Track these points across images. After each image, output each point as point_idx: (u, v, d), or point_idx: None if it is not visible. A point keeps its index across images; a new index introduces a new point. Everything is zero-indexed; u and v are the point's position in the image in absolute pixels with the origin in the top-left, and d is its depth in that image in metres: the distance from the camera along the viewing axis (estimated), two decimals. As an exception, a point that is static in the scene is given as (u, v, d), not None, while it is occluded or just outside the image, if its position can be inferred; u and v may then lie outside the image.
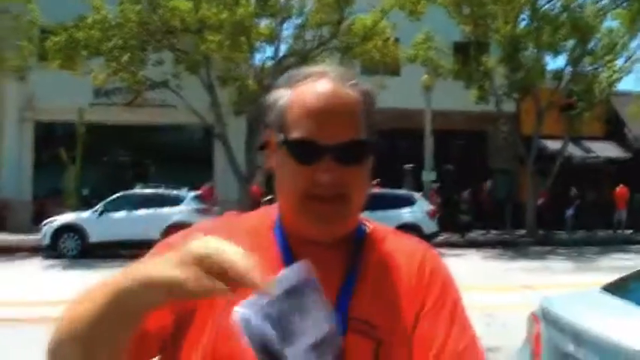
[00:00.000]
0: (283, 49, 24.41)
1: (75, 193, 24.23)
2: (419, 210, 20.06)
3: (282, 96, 1.33)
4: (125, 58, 21.69)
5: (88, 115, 24.62)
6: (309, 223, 1.29)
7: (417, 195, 21.08)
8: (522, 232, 25.07)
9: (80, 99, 25.27)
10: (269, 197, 20.45)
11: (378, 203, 19.70)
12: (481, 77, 24.60)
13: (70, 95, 24.93)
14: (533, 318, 4.35)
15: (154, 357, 1.27)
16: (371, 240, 1.39)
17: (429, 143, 23.81)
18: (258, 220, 1.40)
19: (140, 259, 1.22)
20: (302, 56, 23.06)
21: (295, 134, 1.27)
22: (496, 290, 12.41)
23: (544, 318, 4.15)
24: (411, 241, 1.43)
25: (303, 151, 1.27)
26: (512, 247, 21.75)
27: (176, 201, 19.54)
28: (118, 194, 19.73)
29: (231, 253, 1.04)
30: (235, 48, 21.44)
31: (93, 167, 27.13)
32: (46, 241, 18.86)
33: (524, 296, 10.71)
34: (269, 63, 23.72)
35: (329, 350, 1.18)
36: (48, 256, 18.20)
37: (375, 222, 1.45)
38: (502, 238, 24.33)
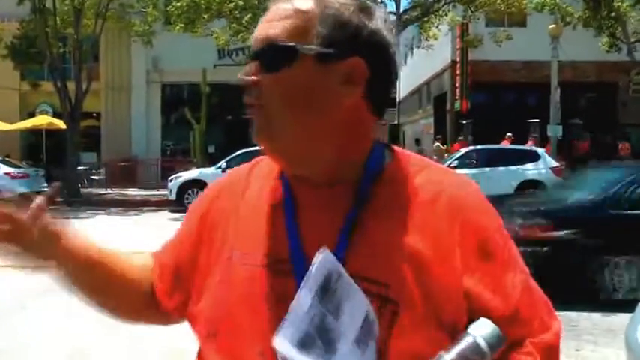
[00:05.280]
0: (404, 3, 24.03)
1: (200, 150, 24.99)
2: (543, 166, 19.38)
3: None
4: (246, 18, 21.97)
5: (212, 75, 25.21)
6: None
7: (541, 151, 20.36)
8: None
9: (204, 61, 25.90)
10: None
11: (499, 159, 19.25)
12: (612, 24, 23.28)
13: (194, 57, 25.61)
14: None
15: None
16: (390, 173, 1.22)
17: (555, 96, 22.92)
18: (269, 162, 1.29)
19: None
20: (424, 10, 22.64)
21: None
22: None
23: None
24: (443, 178, 1.23)
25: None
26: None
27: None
28: (240, 151, 20.17)
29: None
30: (355, 3, 21.24)
31: (218, 126, 27.88)
32: (172, 195, 19.63)
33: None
34: (391, 18, 23.40)
35: (370, 336, 1.11)
36: (174, 210, 18.83)
37: (410, 153, 1.28)
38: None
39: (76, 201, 22.14)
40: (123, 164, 27.82)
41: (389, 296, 1.12)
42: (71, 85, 23.35)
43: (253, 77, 1.17)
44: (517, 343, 1.16)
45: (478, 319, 1.11)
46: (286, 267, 1.16)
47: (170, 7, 22.57)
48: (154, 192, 22.66)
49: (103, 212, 19.70)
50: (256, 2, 21.98)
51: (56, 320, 7.21)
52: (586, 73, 26.82)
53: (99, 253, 1.34)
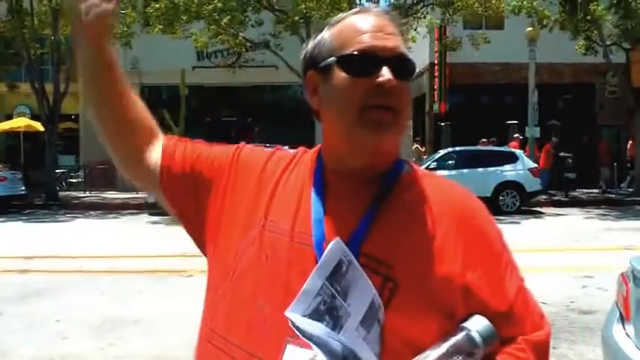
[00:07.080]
0: (383, 6, 24.10)
1: (180, 153, 24.87)
2: (521, 167, 19.55)
3: (324, 34, 1.41)
4: (225, 20, 21.95)
5: (191, 77, 25.15)
6: (369, 133, 1.29)
7: (519, 152, 20.54)
8: (631, 190, 23.97)
9: (183, 62, 25.82)
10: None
11: (479, 160, 19.39)
12: (588, 27, 23.48)
13: (173, 59, 25.51)
14: (622, 279, 4.16)
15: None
16: (407, 179, 1.38)
17: (532, 98, 23.11)
18: (311, 154, 1.47)
19: None
20: (402, 12, 22.69)
21: (349, 50, 1.32)
22: (594, 251, 11.87)
23: (633, 278, 3.94)
24: (453, 189, 1.41)
25: (361, 63, 1.30)
26: (618, 206, 20.74)
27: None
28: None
29: None
30: (335, 6, 21.30)
31: (196, 128, 27.77)
32: (152, 198, 19.33)
33: (623, 258, 10.25)
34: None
35: (375, 319, 1.22)
36: (153, 213, 18.81)
37: (415, 165, 1.45)
38: (607, 197, 23.26)
39: (54, 204, 22.02)
40: (101, 167, 27.58)
41: (390, 276, 1.25)
42: (49, 87, 23.20)
43: (395, 81, 1.31)
44: (510, 340, 1.28)
45: (475, 314, 1.25)
46: (308, 239, 1.30)
47: (149, 8, 22.49)
48: (134, 195, 22.56)
49: (81, 215, 19.62)
50: (235, 5, 21.97)
51: (32, 327, 7.18)
52: (563, 75, 27.07)
53: (119, 75, 1.60)
